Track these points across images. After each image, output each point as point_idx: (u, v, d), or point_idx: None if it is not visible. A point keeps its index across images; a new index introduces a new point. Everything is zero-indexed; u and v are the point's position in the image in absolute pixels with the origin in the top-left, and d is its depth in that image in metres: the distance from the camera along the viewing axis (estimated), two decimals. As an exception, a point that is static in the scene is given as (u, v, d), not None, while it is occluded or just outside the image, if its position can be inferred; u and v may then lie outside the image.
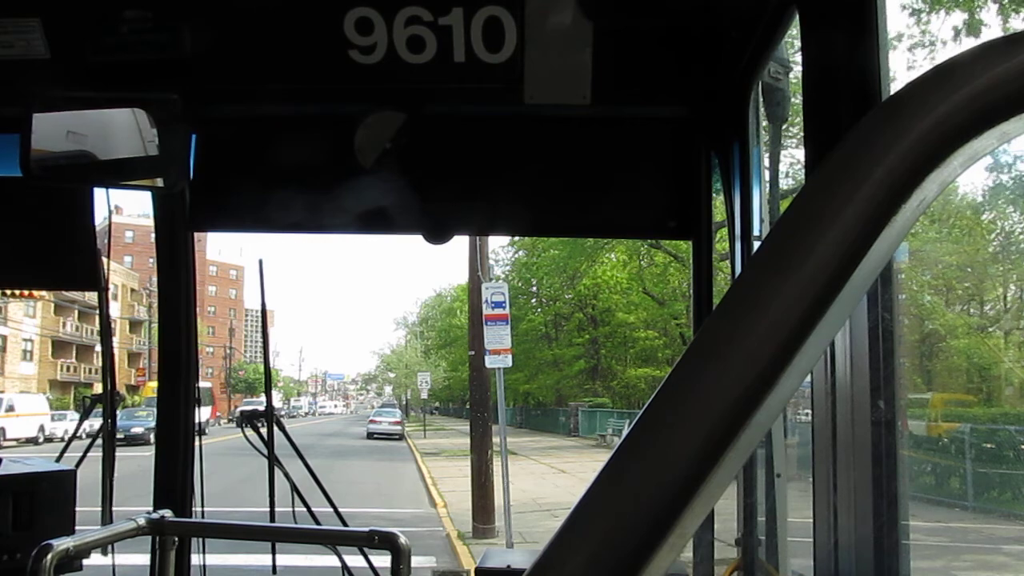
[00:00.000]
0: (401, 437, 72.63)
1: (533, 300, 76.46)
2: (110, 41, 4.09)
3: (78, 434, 5.72)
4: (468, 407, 31.48)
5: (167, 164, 4.40)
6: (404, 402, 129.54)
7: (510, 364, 23.58)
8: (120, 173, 4.44)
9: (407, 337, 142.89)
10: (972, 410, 27.80)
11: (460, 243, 28.79)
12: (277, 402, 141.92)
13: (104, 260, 4.90)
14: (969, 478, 22.61)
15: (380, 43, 4.08)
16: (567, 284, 69.34)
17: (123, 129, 4.38)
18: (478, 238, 24.52)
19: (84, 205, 4.71)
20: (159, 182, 4.47)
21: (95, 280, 4.87)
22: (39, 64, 4.13)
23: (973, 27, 22.97)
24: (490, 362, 23.05)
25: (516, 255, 75.40)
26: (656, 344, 63.60)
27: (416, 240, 4.74)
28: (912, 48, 26.85)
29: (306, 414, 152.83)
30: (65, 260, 4.82)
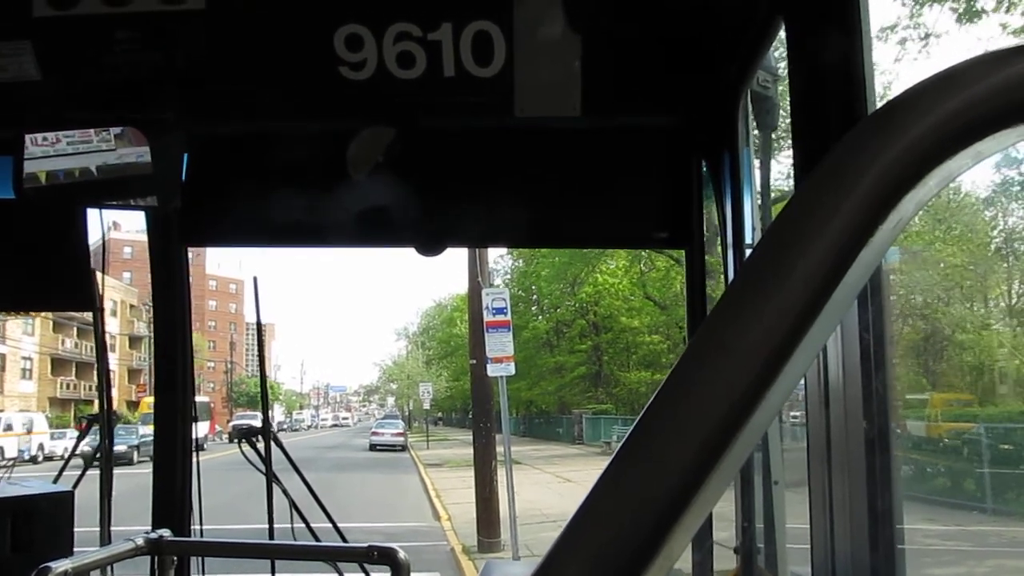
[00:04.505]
0: (404, 448, 71.95)
1: (534, 308, 76.27)
2: (101, 62, 4.10)
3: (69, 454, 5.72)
4: (471, 416, 30.98)
5: (160, 182, 4.43)
6: (407, 413, 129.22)
7: (513, 372, 22.76)
8: (113, 192, 4.46)
9: (408, 348, 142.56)
10: (987, 410, 27.55)
11: (459, 252, 28.46)
12: (279, 415, 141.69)
13: (99, 280, 4.90)
14: (987, 480, 22.30)
15: (370, 59, 4.10)
16: (568, 291, 69.18)
17: (115, 148, 4.40)
18: (477, 244, 23.79)
19: (77, 225, 4.71)
20: (152, 200, 4.48)
21: (90, 299, 4.87)
22: (31, 86, 4.14)
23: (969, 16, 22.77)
24: (492, 370, 22.18)
25: (515, 263, 75.38)
26: (659, 349, 63.33)
27: (413, 251, 4.75)
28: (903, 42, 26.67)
29: (308, 427, 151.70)
30: (59, 280, 4.82)
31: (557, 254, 62.98)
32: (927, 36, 25.79)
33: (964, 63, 0.82)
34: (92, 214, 4.78)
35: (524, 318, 69.73)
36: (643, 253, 59.01)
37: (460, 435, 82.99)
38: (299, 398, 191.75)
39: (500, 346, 21.89)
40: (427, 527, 28.17)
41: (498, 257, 76.16)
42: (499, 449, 23.83)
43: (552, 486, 37.59)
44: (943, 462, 24.64)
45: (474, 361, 25.10)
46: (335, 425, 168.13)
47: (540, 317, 75.56)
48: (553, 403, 78.15)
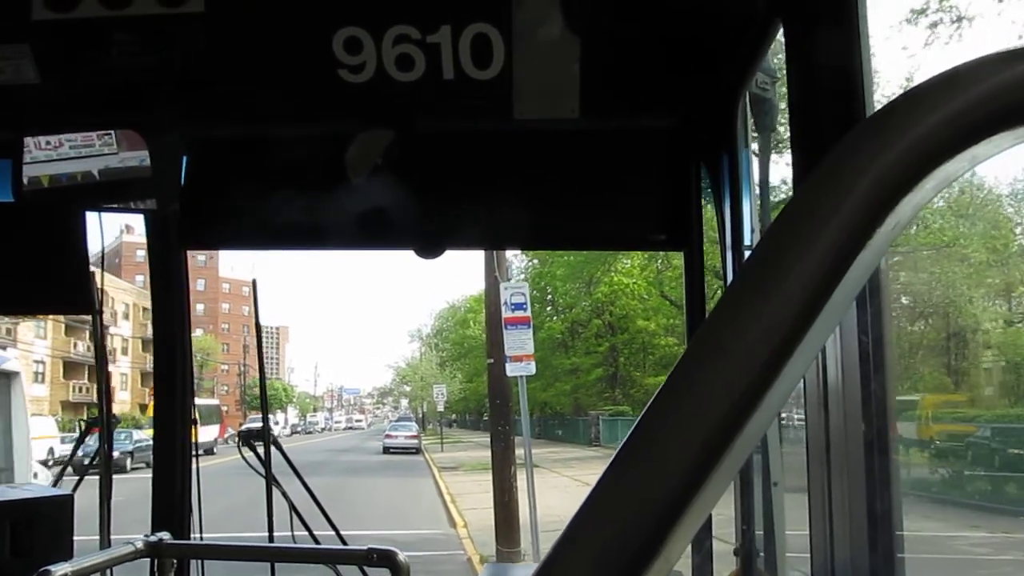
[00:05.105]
0: (418, 451, 71.66)
1: (549, 308, 75.95)
2: (100, 65, 4.11)
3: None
4: (485, 419, 30.26)
5: (159, 185, 4.43)
6: (420, 415, 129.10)
7: (533, 371, 21.59)
8: (111, 195, 4.47)
9: (422, 350, 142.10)
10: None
11: (472, 253, 27.81)
12: (293, 418, 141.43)
13: (97, 283, 4.90)
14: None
15: (369, 62, 4.11)
16: (584, 290, 69.03)
17: (117, 152, 4.41)
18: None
19: (76, 228, 4.71)
20: (151, 203, 4.49)
21: (88, 303, 4.88)
22: (29, 89, 4.15)
23: None
24: (511, 370, 20.89)
25: (530, 263, 75.16)
26: (677, 351, 62.95)
27: (414, 254, 4.76)
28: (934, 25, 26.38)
29: (322, 429, 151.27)
30: (58, 283, 4.81)
31: (572, 253, 62.80)
32: (959, 20, 25.56)
33: (963, 66, 0.82)
34: (92, 217, 4.79)
35: (539, 318, 69.23)
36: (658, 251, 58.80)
37: (475, 437, 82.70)
38: (313, 401, 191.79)
39: (519, 344, 20.75)
40: (442, 535, 27.33)
41: (511, 256, 75.65)
42: (518, 451, 22.75)
43: (571, 490, 36.80)
44: (979, 466, 24.32)
45: (491, 360, 23.74)
46: (349, 427, 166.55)
47: (555, 317, 75.29)
48: (568, 404, 77.77)
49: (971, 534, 19.13)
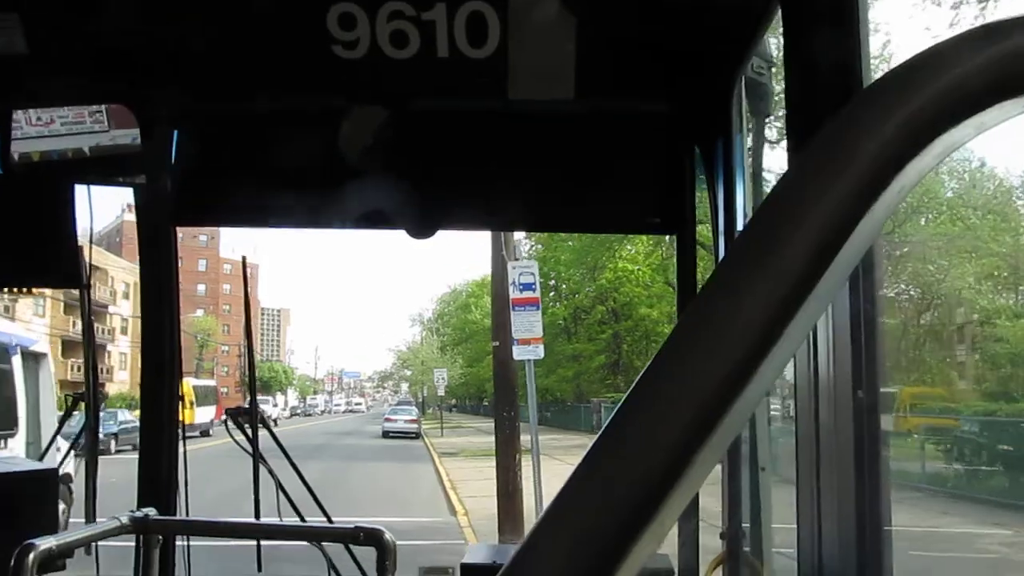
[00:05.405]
0: (417, 436, 71.40)
1: (552, 293, 75.69)
2: (91, 37, 4.09)
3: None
4: (485, 404, 29.94)
5: (148, 159, 4.41)
6: (420, 399, 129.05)
7: (542, 355, 20.91)
8: (101, 169, 4.45)
9: (423, 334, 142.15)
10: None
11: (475, 238, 27.65)
12: (293, 400, 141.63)
13: (87, 258, 4.89)
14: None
15: (363, 38, 4.08)
16: (587, 276, 68.90)
17: (104, 125, 4.38)
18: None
19: (65, 202, 4.68)
20: (141, 178, 4.47)
21: (77, 277, 4.86)
22: (18, 60, 4.11)
23: None
24: (519, 353, 20.12)
25: (534, 247, 74.97)
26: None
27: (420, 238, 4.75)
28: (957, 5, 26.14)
29: (322, 412, 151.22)
30: (46, 258, 4.79)
31: (576, 238, 62.72)
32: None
33: (969, 31, 0.80)
34: (82, 192, 4.76)
35: (542, 303, 68.91)
36: (665, 237, 58.69)
37: (475, 422, 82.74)
38: (313, 383, 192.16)
39: (527, 326, 20.11)
40: (443, 523, 26.68)
41: (515, 242, 74.89)
42: (523, 438, 21.98)
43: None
44: (1000, 460, 24.13)
45: (497, 343, 23.08)
46: (348, 411, 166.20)
47: (558, 303, 75.18)
48: (570, 391, 77.71)
49: (996, 531, 18.87)
